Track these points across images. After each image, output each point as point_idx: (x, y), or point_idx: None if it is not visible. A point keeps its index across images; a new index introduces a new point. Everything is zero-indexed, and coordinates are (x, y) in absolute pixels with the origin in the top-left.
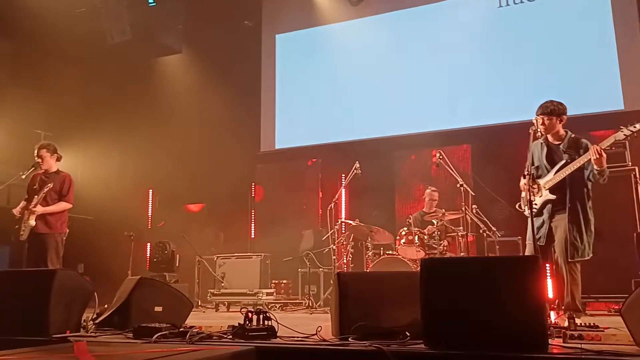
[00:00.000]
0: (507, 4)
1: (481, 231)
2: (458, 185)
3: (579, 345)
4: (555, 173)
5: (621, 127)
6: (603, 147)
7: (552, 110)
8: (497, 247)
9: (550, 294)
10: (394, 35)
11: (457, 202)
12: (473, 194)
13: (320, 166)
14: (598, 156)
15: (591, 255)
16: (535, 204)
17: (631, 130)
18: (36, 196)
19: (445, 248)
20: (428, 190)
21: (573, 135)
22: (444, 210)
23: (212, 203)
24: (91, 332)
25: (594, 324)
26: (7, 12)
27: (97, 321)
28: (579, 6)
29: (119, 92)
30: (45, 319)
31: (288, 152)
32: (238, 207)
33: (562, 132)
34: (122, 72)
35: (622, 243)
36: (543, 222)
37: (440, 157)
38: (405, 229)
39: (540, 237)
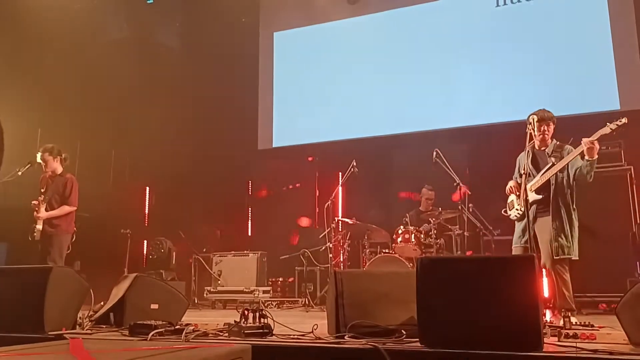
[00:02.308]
0: (505, 4)
1: (477, 230)
2: (455, 184)
3: (574, 344)
4: (542, 175)
5: (607, 122)
6: (591, 140)
7: (549, 116)
8: (493, 246)
9: (545, 293)
10: (391, 33)
11: (454, 200)
12: (469, 192)
13: (318, 164)
14: (591, 146)
15: (577, 257)
16: (521, 207)
17: (617, 124)
18: (40, 201)
19: (441, 247)
20: (424, 189)
21: (558, 142)
22: (440, 208)
23: (209, 200)
24: (87, 330)
25: (589, 322)
26: (4, 8)
27: (93, 318)
28: (576, 6)
29: (116, 89)
30: (40, 316)
31: (285, 150)
32: (235, 204)
33: (548, 140)
34: (119, 69)
35: (618, 242)
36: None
37: (438, 156)
38: (401, 227)
39: (526, 240)
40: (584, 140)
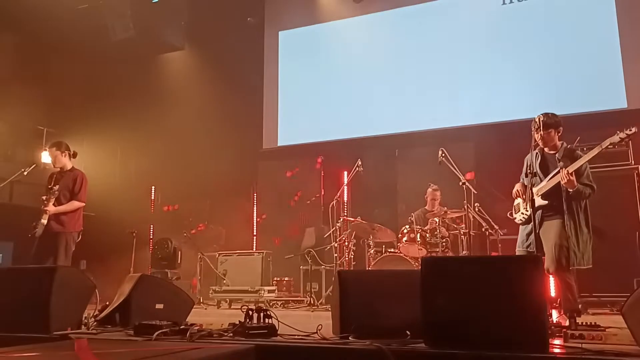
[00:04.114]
0: (511, 2)
1: (483, 229)
2: (460, 184)
3: (580, 345)
4: (549, 180)
5: (617, 131)
6: (601, 147)
7: (550, 124)
8: (500, 245)
9: (552, 293)
10: (397, 32)
11: (460, 200)
12: (475, 192)
13: (323, 163)
14: (566, 180)
15: (590, 265)
16: (527, 211)
17: (627, 134)
18: (50, 196)
19: (447, 246)
20: (430, 189)
21: (568, 146)
22: (446, 208)
23: (215, 200)
24: (92, 329)
25: (595, 323)
26: (10, 7)
27: (98, 318)
28: (583, 4)
29: (121, 89)
30: (46, 316)
31: (290, 149)
32: (240, 204)
33: (557, 143)
34: (124, 68)
35: (624, 242)
36: (533, 229)
37: (443, 155)
38: (407, 226)
39: (530, 244)
40: (562, 172)
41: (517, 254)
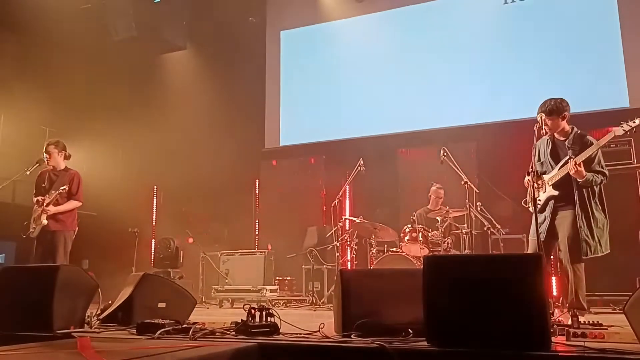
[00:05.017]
0: (513, 1)
1: (485, 228)
2: (462, 183)
3: (582, 344)
4: (560, 169)
5: (621, 122)
6: (600, 145)
7: (552, 109)
8: (502, 244)
9: (554, 291)
10: (399, 32)
11: (462, 199)
12: (477, 191)
13: (324, 163)
14: (574, 170)
15: (608, 250)
16: (540, 200)
17: (630, 126)
18: (47, 195)
19: (449, 245)
20: (434, 188)
21: (579, 132)
22: (448, 207)
23: (217, 199)
24: (95, 328)
25: (597, 322)
26: (12, 7)
27: (100, 317)
28: (584, 2)
29: (124, 89)
30: (49, 315)
31: (292, 149)
32: (242, 203)
33: (567, 128)
34: (127, 68)
35: (627, 241)
36: (545, 218)
37: (445, 154)
38: (409, 226)
39: (541, 233)
40: (570, 162)
41: (530, 242)
